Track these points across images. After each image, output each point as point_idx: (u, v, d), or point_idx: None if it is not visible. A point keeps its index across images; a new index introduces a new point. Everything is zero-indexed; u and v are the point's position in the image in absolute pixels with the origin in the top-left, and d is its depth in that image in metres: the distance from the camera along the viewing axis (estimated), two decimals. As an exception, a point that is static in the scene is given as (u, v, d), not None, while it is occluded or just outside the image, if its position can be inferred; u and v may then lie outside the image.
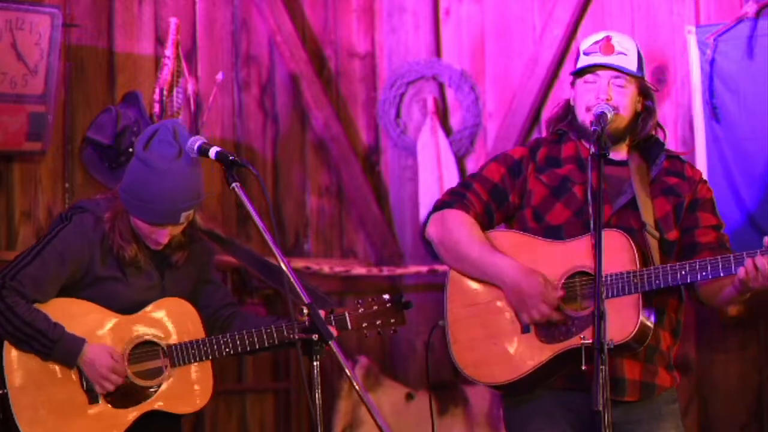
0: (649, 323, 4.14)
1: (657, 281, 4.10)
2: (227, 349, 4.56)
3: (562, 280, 4.19)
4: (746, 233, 5.75)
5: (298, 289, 3.89)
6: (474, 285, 4.33)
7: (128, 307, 4.54)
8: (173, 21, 6.15)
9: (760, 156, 5.81)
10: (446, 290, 4.42)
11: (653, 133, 4.40)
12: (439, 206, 4.40)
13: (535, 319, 4.18)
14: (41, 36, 5.76)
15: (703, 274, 4.09)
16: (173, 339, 4.57)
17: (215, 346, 4.55)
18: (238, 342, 4.56)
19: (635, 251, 4.14)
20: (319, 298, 4.75)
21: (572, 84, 4.41)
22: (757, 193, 5.81)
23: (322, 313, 4.55)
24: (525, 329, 4.22)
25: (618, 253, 4.14)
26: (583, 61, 4.33)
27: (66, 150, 6.04)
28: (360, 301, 4.71)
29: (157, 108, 6.03)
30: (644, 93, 4.36)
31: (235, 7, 6.71)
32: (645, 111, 4.35)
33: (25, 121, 5.78)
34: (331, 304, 4.78)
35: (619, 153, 4.35)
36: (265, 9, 6.76)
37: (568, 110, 4.45)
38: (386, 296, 4.72)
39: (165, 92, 6.07)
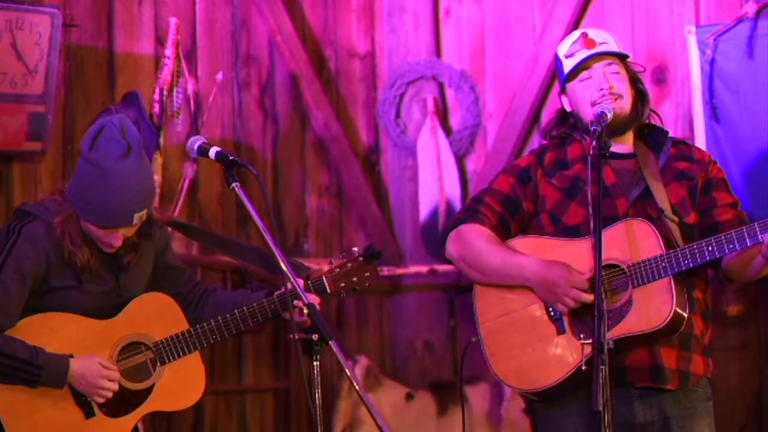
0: (683, 306, 4.12)
1: (686, 261, 4.08)
2: (214, 336, 4.43)
3: (590, 274, 4.17)
4: (746, 233, 5.75)
5: (299, 290, 3.90)
6: (502, 294, 4.30)
7: (87, 314, 4.36)
8: (173, 21, 6.15)
9: (760, 156, 5.81)
10: (475, 305, 4.36)
11: (650, 120, 4.39)
12: (454, 224, 4.40)
13: (570, 306, 4.15)
14: (41, 36, 5.76)
15: (731, 246, 4.06)
16: (158, 335, 4.42)
17: (202, 336, 4.43)
18: (223, 327, 4.43)
19: (658, 236, 4.12)
20: (295, 265, 4.62)
21: (562, 92, 4.40)
22: (757, 193, 5.81)
23: (299, 281, 4.45)
24: (560, 330, 4.19)
25: (644, 240, 4.13)
26: (571, 63, 4.32)
27: (66, 150, 6.04)
28: (332, 261, 4.59)
29: (157, 108, 6.03)
30: (634, 78, 4.36)
31: (235, 7, 6.71)
32: (639, 94, 4.35)
33: (25, 121, 5.78)
34: (307, 270, 4.65)
35: (626, 145, 4.34)
36: (265, 9, 6.76)
37: (565, 117, 4.43)
38: (355, 249, 4.59)
39: (165, 92, 6.06)
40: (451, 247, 4.40)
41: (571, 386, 4.19)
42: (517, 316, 4.28)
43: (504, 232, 4.36)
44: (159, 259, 4.55)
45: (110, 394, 4.32)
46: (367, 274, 4.59)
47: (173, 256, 4.62)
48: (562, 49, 4.35)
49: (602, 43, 4.30)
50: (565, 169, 4.34)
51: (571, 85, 4.33)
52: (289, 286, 3.95)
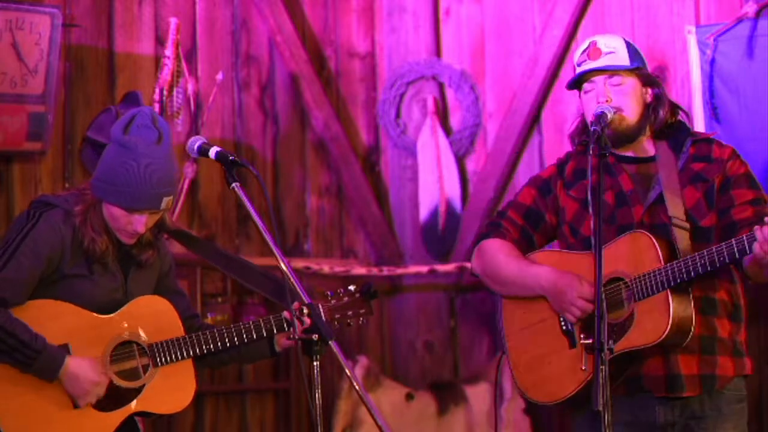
0: (687, 314, 4.10)
1: (681, 275, 4.07)
2: (208, 346, 4.45)
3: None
4: (746, 233, 5.75)
5: (299, 290, 3.90)
6: (524, 307, 4.34)
7: (93, 307, 4.38)
8: (173, 21, 6.15)
9: (760, 156, 5.81)
10: (500, 319, 4.41)
11: (674, 118, 4.35)
12: (477, 240, 4.45)
13: (577, 315, 4.15)
14: (41, 36, 5.76)
15: (721, 259, 4.03)
16: (154, 337, 4.43)
17: (196, 344, 4.45)
18: (218, 337, 4.46)
19: (658, 249, 4.12)
20: (291, 291, 4.64)
21: (580, 97, 4.41)
22: (757, 193, 5.81)
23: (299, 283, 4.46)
24: (572, 344, 4.21)
25: (644, 254, 4.12)
26: (576, 73, 4.32)
27: (66, 150, 6.04)
28: (330, 293, 4.62)
29: (157, 108, 6.03)
30: (648, 83, 4.33)
31: (235, 7, 6.71)
32: (655, 100, 4.33)
33: (25, 121, 5.78)
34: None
35: (645, 149, 4.31)
36: (265, 9, 6.76)
37: (585, 122, 4.43)
38: (352, 287, 4.63)
39: (165, 92, 6.07)
40: (475, 263, 4.44)
41: (585, 398, 4.15)
42: (536, 329, 4.31)
43: (526, 244, 4.39)
44: (163, 280, 4.57)
45: (93, 401, 4.33)
46: (363, 311, 4.64)
47: (175, 282, 4.65)
48: (575, 57, 4.36)
49: (609, 53, 4.28)
50: (585, 178, 4.29)
51: (581, 94, 4.34)
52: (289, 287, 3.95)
